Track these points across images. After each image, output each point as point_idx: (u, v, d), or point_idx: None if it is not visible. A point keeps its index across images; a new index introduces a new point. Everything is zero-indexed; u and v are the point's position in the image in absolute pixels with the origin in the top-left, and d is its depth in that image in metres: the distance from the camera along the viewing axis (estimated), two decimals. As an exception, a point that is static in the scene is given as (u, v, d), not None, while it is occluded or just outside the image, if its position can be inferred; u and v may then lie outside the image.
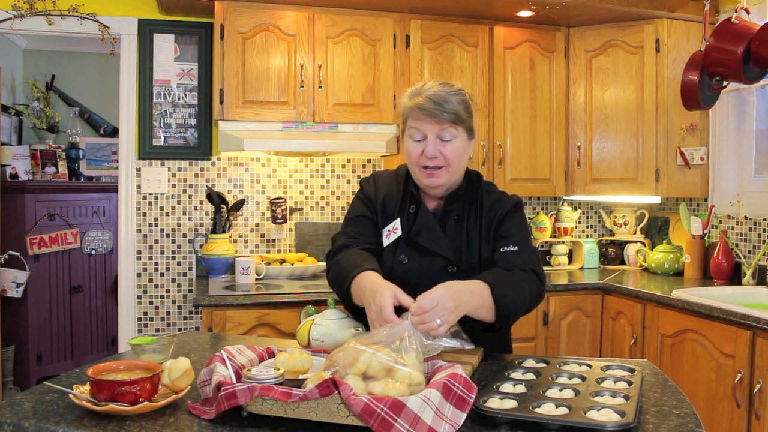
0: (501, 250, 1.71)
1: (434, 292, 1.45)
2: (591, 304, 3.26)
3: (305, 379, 1.25)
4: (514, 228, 1.74)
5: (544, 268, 3.61)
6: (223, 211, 3.26)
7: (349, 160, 3.60)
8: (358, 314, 1.72)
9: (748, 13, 2.89)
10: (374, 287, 1.51)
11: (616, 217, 3.85)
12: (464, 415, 1.18)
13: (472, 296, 1.53)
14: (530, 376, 1.47)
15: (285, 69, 3.11)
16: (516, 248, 1.70)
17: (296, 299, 2.80)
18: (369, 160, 3.62)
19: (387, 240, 1.78)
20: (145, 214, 3.35)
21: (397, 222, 1.78)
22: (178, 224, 3.39)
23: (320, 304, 2.65)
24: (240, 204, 3.33)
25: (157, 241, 3.36)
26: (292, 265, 3.22)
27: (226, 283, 3.08)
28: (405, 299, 1.45)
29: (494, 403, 1.27)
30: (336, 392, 1.13)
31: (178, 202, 3.39)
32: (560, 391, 1.35)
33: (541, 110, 3.51)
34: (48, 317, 4.29)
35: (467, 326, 1.57)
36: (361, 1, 3.12)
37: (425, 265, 1.72)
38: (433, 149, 1.67)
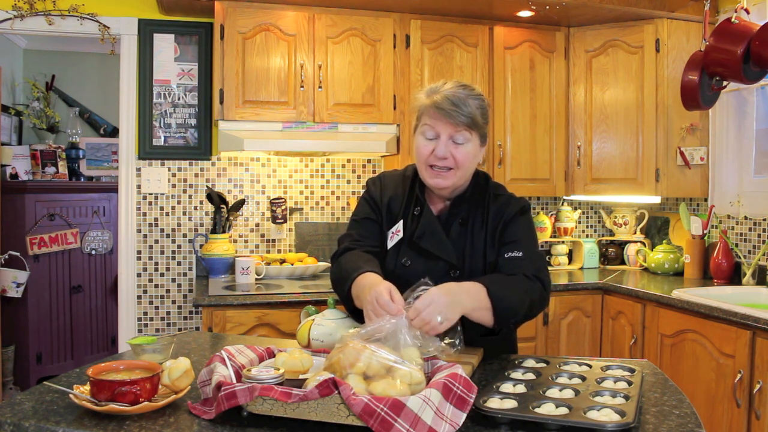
0: (505, 255, 1.68)
1: (426, 294, 1.44)
2: (591, 304, 3.26)
3: (305, 379, 1.25)
4: (519, 233, 1.71)
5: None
6: (223, 211, 3.26)
7: (349, 160, 3.60)
8: (358, 316, 1.71)
9: (748, 13, 2.89)
10: (371, 285, 1.51)
11: (616, 217, 3.85)
12: (464, 415, 1.18)
13: (467, 295, 1.52)
14: (530, 376, 1.47)
15: (285, 69, 3.11)
16: (520, 254, 1.67)
17: (296, 299, 2.80)
18: (369, 160, 3.62)
19: (390, 242, 1.77)
20: (145, 214, 3.35)
21: (400, 224, 1.76)
22: (178, 224, 3.39)
23: (320, 304, 2.65)
24: (240, 204, 3.33)
25: (157, 241, 3.36)
26: (292, 265, 3.22)
27: (226, 283, 3.08)
28: (398, 297, 1.45)
29: (494, 403, 1.27)
30: (336, 392, 1.13)
31: (178, 202, 3.39)
32: (560, 391, 1.35)
33: (541, 110, 3.51)
34: (48, 317, 4.28)
35: (467, 330, 1.57)
36: (361, 1, 3.12)
37: (428, 268, 1.69)
38: (444, 149, 1.64)
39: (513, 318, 1.62)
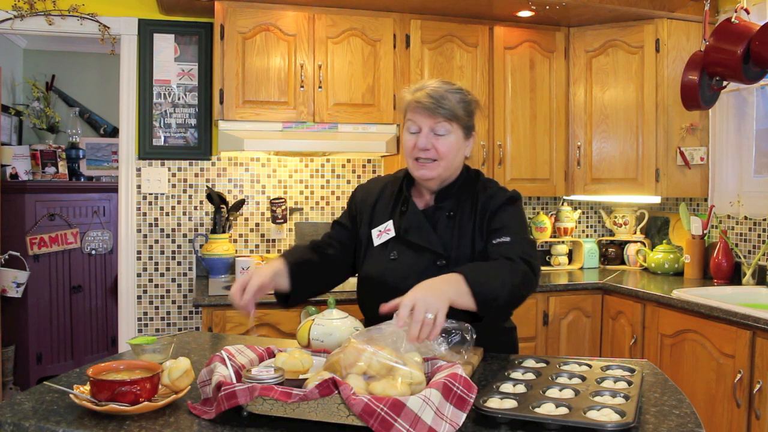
0: (493, 241, 1.70)
1: (405, 298, 1.40)
2: (591, 304, 3.25)
3: (305, 379, 1.25)
4: (506, 220, 1.73)
5: (544, 268, 3.65)
6: (223, 211, 3.26)
7: (349, 160, 3.60)
8: (358, 313, 1.73)
9: (748, 13, 2.88)
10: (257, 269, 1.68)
11: (616, 217, 3.85)
12: (464, 415, 1.18)
13: (447, 284, 1.47)
14: (530, 376, 1.47)
15: (285, 69, 3.11)
16: (508, 239, 1.68)
17: (296, 299, 2.80)
18: (369, 160, 3.62)
19: (378, 240, 1.82)
20: (145, 214, 3.35)
21: (390, 223, 1.81)
22: (178, 224, 3.39)
23: (320, 304, 2.64)
24: (240, 204, 3.33)
25: (157, 241, 3.36)
26: (292, 265, 3.22)
27: (226, 283, 3.08)
28: (254, 285, 1.62)
29: (494, 403, 1.27)
30: (336, 392, 1.14)
31: (178, 202, 3.39)
32: (560, 391, 1.35)
33: (541, 110, 3.51)
34: (48, 317, 4.28)
35: (454, 317, 1.54)
36: (361, 1, 3.12)
37: (415, 259, 1.74)
38: (425, 141, 1.72)
39: (495, 302, 1.55)
